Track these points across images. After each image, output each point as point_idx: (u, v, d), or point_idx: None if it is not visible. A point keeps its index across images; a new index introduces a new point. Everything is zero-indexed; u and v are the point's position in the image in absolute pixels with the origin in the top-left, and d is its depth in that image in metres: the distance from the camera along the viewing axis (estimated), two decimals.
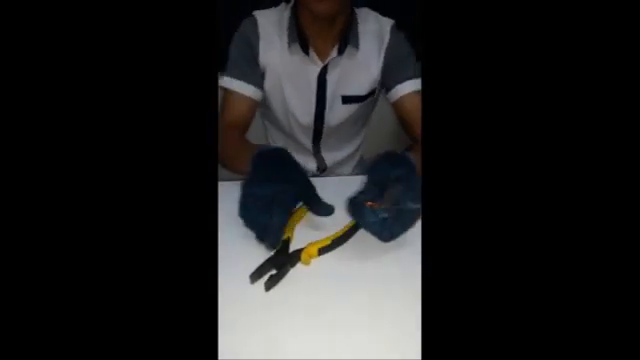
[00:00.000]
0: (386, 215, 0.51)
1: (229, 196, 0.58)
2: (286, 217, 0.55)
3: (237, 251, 0.53)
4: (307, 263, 0.52)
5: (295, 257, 0.51)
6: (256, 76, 0.83)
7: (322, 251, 0.53)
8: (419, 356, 0.32)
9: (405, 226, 0.53)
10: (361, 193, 0.56)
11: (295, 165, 0.59)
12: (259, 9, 0.85)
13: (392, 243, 0.54)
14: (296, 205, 0.59)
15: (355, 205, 0.54)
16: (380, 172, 0.57)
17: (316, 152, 0.96)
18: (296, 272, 0.51)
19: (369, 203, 0.53)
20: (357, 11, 0.85)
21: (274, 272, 0.49)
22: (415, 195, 0.53)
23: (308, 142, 0.94)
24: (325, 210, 0.58)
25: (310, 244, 0.53)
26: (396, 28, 0.86)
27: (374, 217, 0.51)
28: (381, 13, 0.88)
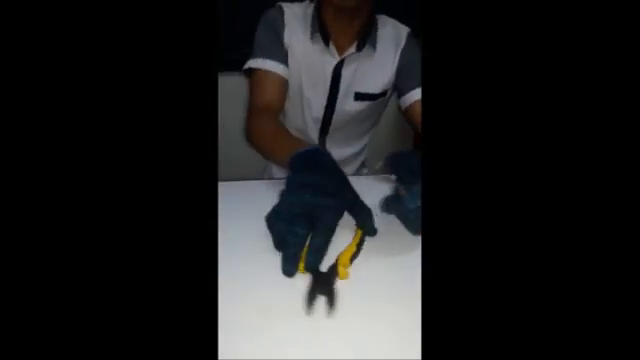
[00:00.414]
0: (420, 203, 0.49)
1: (229, 196, 0.58)
2: (329, 237, 0.51)
3: (237, 252, 0.53)
4: (345, 276, 0.49)
5: (333, 274, 0.49)
6: (284, 55, 0.85)
7: (353, 259, 0.51)
8: (419, 356, 0.32)
9: None
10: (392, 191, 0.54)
11: (336, 170, 0.55)
12: (266, 6, 0.87)
13: (392, 244, 0.54)
14: (337, 220, 0.53)
15: (391, 197, 0.52)
16: (403, 168, 0.57)
17: (321, 147, 0.97)
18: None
19: (402, 192, 0.51)
20: (377, 17, 0.88)
21: (324, 297, 0.46)
22: None
23: (315, 135, 0.95)
24: (373, 231, 0.55)
25: (340, 255, 0.50)
26: (412, 35, 0.90)
27: (414, 203, 0.49)
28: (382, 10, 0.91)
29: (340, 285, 0.48)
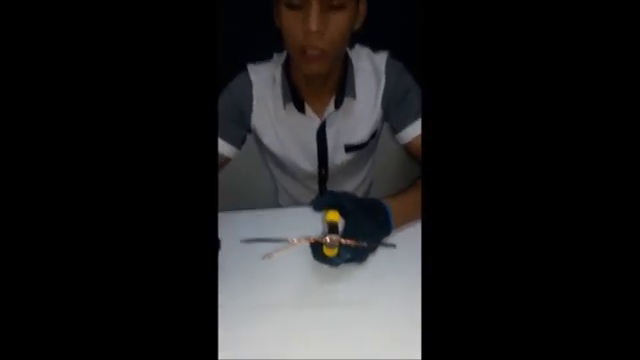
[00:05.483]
0: (349, 255, 0.52)
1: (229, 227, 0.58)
2: None
3: (237, 251, 0.53)
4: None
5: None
6: (236, 136, 0.82)
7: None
8: (419, 356, 0.32)
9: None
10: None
11: None
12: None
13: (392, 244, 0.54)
14: None
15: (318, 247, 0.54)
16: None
17: (323, 192, 0.95)
18: (296, 273, 0.51)
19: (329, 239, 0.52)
20: (348, 51, 0.78)
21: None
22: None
23: (314, 185, 0.93)
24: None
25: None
26: (392, 60, 0.79)
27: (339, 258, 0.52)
28: (379, 39, 0.81)
29: (340, 285, 0.49)
